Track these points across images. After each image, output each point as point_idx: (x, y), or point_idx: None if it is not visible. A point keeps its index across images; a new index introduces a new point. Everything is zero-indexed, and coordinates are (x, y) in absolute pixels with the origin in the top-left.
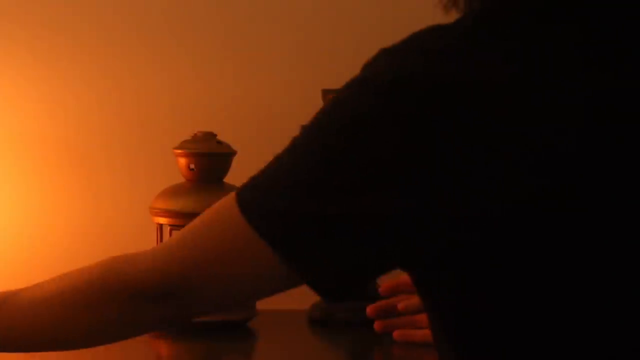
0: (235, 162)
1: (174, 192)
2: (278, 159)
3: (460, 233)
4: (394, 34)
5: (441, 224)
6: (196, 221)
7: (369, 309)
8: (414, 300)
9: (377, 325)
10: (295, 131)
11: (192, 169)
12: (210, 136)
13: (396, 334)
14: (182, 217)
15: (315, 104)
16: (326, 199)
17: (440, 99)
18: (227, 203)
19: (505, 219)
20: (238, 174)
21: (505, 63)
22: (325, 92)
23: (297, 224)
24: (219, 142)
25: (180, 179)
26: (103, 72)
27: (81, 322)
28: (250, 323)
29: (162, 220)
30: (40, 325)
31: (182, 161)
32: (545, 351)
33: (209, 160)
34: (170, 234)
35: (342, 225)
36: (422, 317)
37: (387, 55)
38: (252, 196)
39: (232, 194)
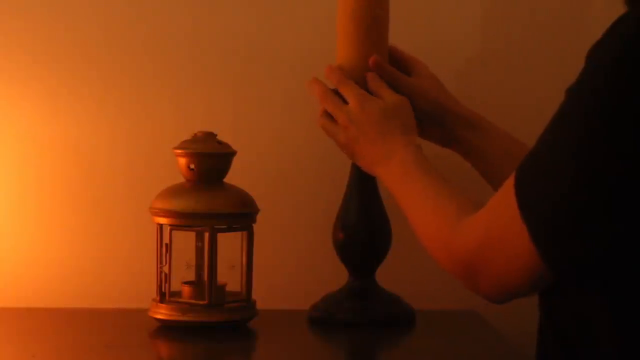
0: (235, 162)
1: (174, 192)
2: (547, 155)
3: None
4: (395, 34)
5: None
6: (493, 218)
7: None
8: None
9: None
10: (294, 131)
11: (192, 169)
12: (210, 136)
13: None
14: (182, 217)
15: (315, 104)
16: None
17: None
18: (513, 212)
19: None
20: (238, 174)
21: None
22: None
23: (569, 248)
24: (219, 142)
25: (180, 179)
26: (103, 72)
27: (429, 250)
28: (250, 323)
29: (162, 220)
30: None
31: (182, 161)
32: None
33: (209, 160)
34: (170, 234)
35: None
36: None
37: None
38: (530, 184)
39: (515, 201)
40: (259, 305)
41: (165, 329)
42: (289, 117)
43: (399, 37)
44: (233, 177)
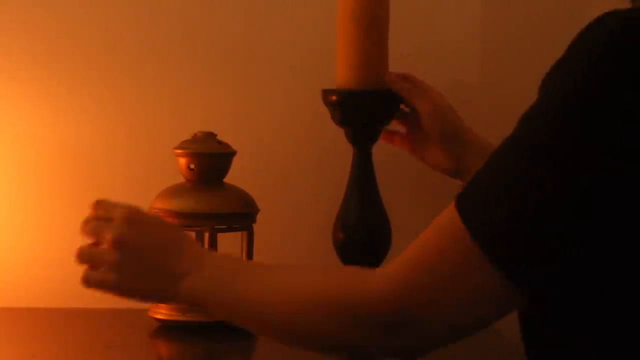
0: (235, 162)
1: (174, 192)
2: (499, 162)
3: None
4: (395, 34)
5: None
6: (423, 240)
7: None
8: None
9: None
10: (294, 131)
11: (192, 169)
12: (210, 136)
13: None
14: (182, 217)
15: (315, 104)
16: (556, 215)
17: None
18: (448, 213)
19: None
20: (238, 174)
21: None
22: (325, 92)
23: (525, 238)
24: (219, 142)
25: (180, 179)
26: (103, 72)
27: (311, 329)
28: None
29: None
30: (270, 313)
31: (182, 161)
32: None
33: (209, 160)
34: None
35: (575, 245)
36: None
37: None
38: (475, 206)
39: (455, 213)
40: None
41: (165, 329)
42: (289, 117)
43: (399, 37)
44: (233, 177)
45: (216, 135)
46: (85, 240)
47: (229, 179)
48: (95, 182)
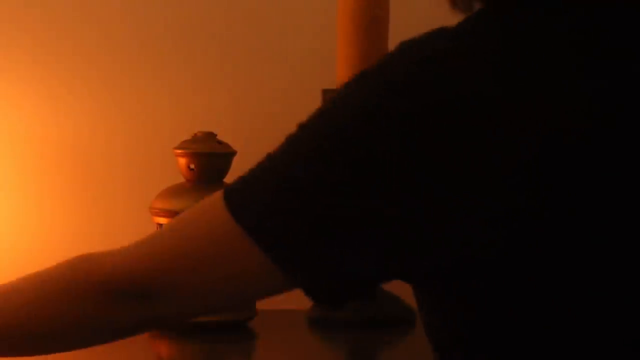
0: (235, 162)
1: (174, 192)
2: (270, 156)
3: (456, 242)
4: (394, 35)
5: (436, 233)
6: (177, 217)
7: None
8: None
9: None
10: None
11: (192, 169)
12: (210, 136)
13: None
14: None
15: (315, 104)
16: (319, 198)
17: (441, 105)
18: (212, 200)
19: (507, 228)
20: (238, 174)
21: (504, 72)
22: (325, 92)
23: (289, 223)
24: (219, 142)
25: (180, 179)
26: (102, 72)
27: (49, 320)
28: (250, 323)
29: (162, 220)
30: (9, 323)
31: (182, 161)
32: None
33: (209, 160)
34: None
35: (333, 226)
36: None
37: (386, 61)
38: (241, 193)
39: (219, 192)
40: (259, 305)
41: (165, 329)
42: (289, 117)
43: (399, 37)
44: (233, 177)
45: (216, 135)
46: (85, 240)
47: (229, 179)
48: (95, 182)
